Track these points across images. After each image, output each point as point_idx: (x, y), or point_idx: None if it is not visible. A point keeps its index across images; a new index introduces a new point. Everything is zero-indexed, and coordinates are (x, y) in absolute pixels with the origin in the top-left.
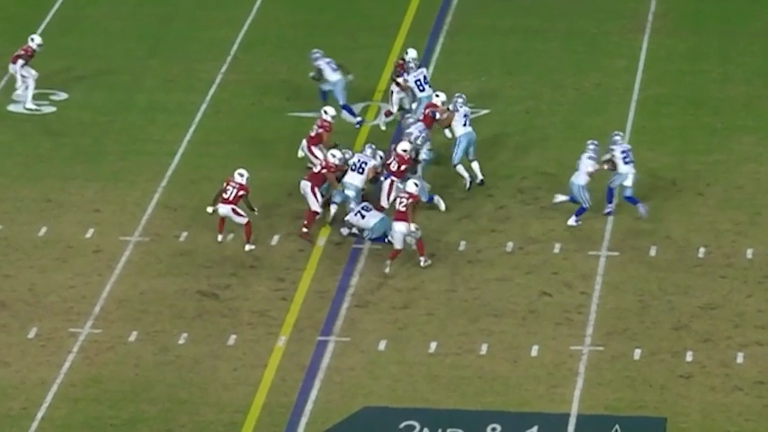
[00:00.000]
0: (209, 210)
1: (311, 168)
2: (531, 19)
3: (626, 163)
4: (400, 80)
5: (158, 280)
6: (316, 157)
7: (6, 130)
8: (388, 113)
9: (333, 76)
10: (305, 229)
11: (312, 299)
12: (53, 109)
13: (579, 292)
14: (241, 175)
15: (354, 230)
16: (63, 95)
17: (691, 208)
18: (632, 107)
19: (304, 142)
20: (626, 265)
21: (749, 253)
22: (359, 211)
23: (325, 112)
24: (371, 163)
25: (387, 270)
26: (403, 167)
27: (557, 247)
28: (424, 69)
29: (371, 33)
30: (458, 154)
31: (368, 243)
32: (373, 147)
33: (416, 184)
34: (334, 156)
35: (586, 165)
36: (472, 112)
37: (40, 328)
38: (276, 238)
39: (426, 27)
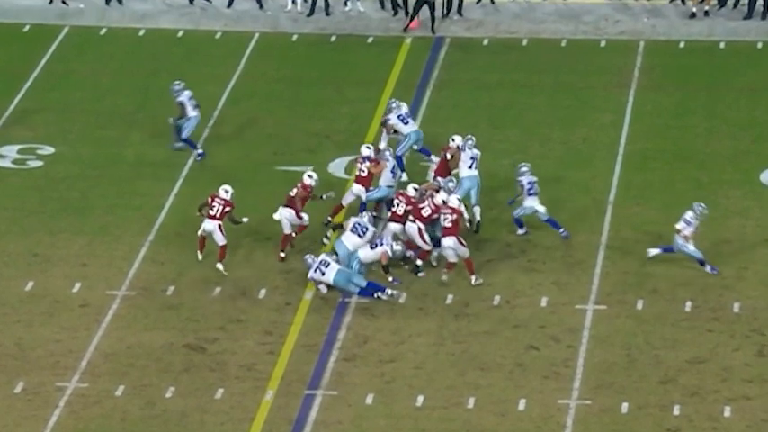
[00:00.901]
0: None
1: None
2: (517, 73)
3: (530, 194)
4: (385, 120)
5: (145, 334)
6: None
7: None
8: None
9: (192, 112)
10: (281, 254)
11: (299, 352)
12: (40, 163)
13: (566, 345)
14: (226, 192)
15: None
16: (50, 150)
17: (677, 262)
18: (618, 161)
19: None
20: (613, 318)
21: (736, 307)
22: (317, 267)
23: (309, 177)
24: (384, 249)
25: (444, 278)
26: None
27: (544, 301)
28: (404, 104)
29: (359, 87)
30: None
31: (355, 297)
32: (373, 214)
33: (459, 200)
34: (310, 177)
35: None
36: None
37: (26, 382)
38: (263, 291)
39: (413, 81)
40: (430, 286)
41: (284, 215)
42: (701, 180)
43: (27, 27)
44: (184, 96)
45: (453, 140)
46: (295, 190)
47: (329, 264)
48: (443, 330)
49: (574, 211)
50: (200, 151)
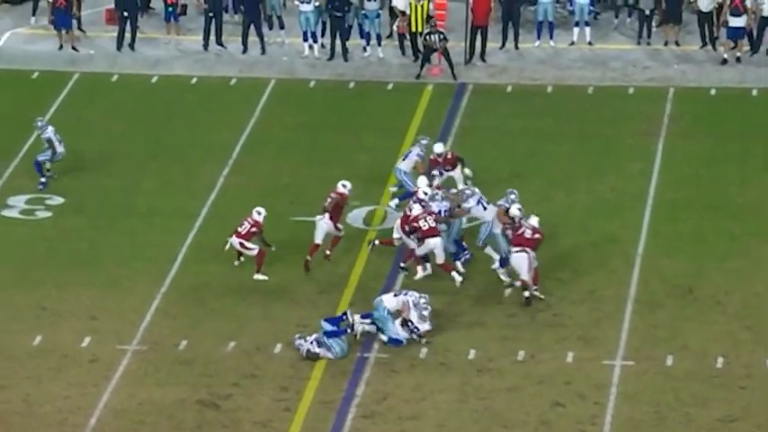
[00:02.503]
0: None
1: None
2: (542, 121)
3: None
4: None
5: (157, 390)
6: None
7: (0, 237)
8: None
9: (59, 147)
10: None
11: (316, 409)
12: (49, 214)
13: (593, 402)
14: (258, 213)
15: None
16: (59, 200)
17: (709, 316)
18: (647, 212)
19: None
20: (641, 375)
21: None
22: (314, 341)
23: (344, 186)
24: (406, 299)
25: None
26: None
27: (569, 356)
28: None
29: (378, 135)
30: (486, 234)
31: (374, 352)
32: (416, 295)
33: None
34: (344, 186)
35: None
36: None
37: None
38: (279, 346)
39: (435, 129)
40: (452, 341)
41: (322, 226)
42: (733, 231)
43: (36, 74)
44: (50, 132)
45: (425, 139)
46: (329, 200)
47: (325, 342)
48: (466, 386)
49: (601, 263)
50: (43, 180)
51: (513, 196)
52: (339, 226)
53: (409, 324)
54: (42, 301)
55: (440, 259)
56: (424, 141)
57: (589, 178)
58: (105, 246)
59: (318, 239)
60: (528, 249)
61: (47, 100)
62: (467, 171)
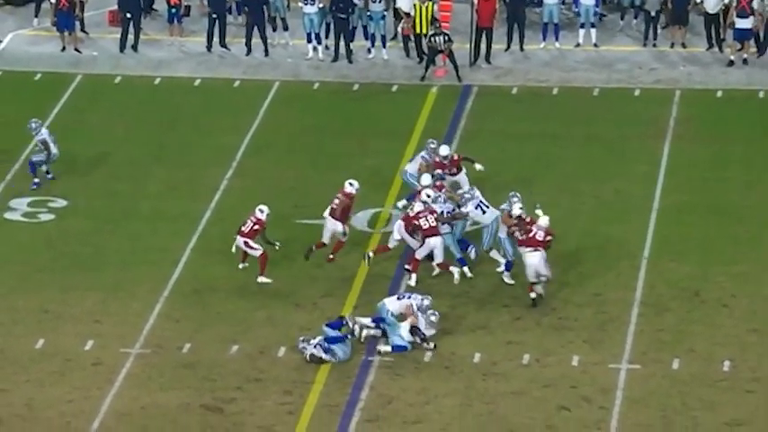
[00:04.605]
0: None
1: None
2: (547, 123)
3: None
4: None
5: (160, 394)
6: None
7: (3, 239)
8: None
9: (54, 148)
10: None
11: (320, 413)
12: (52, 217)
13: (599, 406)
14: (261, 211)
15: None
16: (62, 203)
17: (715, 320)
18: (653, 215)
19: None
20: (648, 378)
21: None
22: (318, 345)
23: (350, 185)
24: (409, 302)
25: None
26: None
27: (575, 360)
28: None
29: (382, 138)
30: (488, 239)
31: (377, 356)
32: (419, 298)
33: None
34: (351, 185)
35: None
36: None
37: None
38: (283, 349)
39: (440, 132)
40: (457, 344)
41: (329, 226)
42: (740, 235)
43: (39, 75)
44: (44, 134)
45: (433, 143)
46: (337, 201)
47: (329, 348)
48: (470, 390)
49: (607, 267)
50: (36, 181)
51: (515, 198)
52: (345, 228)
53: (417, 332)
54: (45, 305)
55: (438, 258)
56: (432, 145)
57: (595, 181)
58: (108, 249)
59: (325, 239)
60: (541, 249)
61: (49, 102)
62: (478, 166)
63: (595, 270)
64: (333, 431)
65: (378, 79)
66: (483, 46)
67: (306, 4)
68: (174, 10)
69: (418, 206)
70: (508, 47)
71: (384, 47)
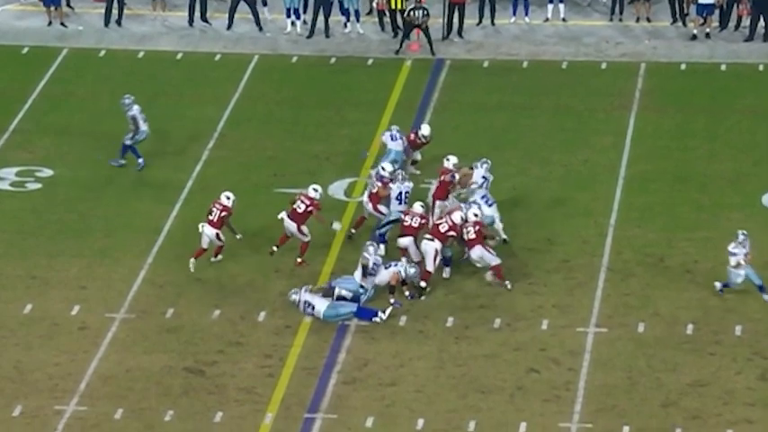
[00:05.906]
0: (200, 227)
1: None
2: (518, 96)
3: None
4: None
5: (144, 357)
6: (303, 233)
7: None
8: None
9: (143, 125)
10: (299, 259)
11: (299, 375)
12: (39, 186)
13: (567, 368)
14: (228, 198)
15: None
16: (49, 172)
17: (679, 284)
18: (619, 183)
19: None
20: (614, 341)
21: (738, 330)
22: (305, 309)
23: (315, 190)
24: (397, 270)
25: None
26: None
27: (544, 324)
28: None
29: (358, 109)
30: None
31: (354, 320)
32: (374, 245)
33: (476, 215)
34: (315, 190)
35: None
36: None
37: (25, 405)
38: (263, 314)
39: (414, 103)
40: (430, 309)
41: (287, 226)
42: (702, 202)
43: (26, 49)
44: (135, 110)
45: (448, 160)
46: (303, 205)
47: (314, 305)
48: (444, 353)
49: (575, 234)
50: (141, 161)
51: (486, 165)
52: (304, 229)
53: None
54: (32, 271)
55: (415, 257)
56: (382, 171)
57: (563, 151)
58: (94, 217)
59: (287, 233)
60: (438, 242)
61: (36, 75)
62: (417, 156)
63: (564, 237)
64: (311, 393)
65: (354, 53)
66: (455, 21)
67: None
68: None
69: (378, 185)
70: (479, 21)
71: (358, 21)
